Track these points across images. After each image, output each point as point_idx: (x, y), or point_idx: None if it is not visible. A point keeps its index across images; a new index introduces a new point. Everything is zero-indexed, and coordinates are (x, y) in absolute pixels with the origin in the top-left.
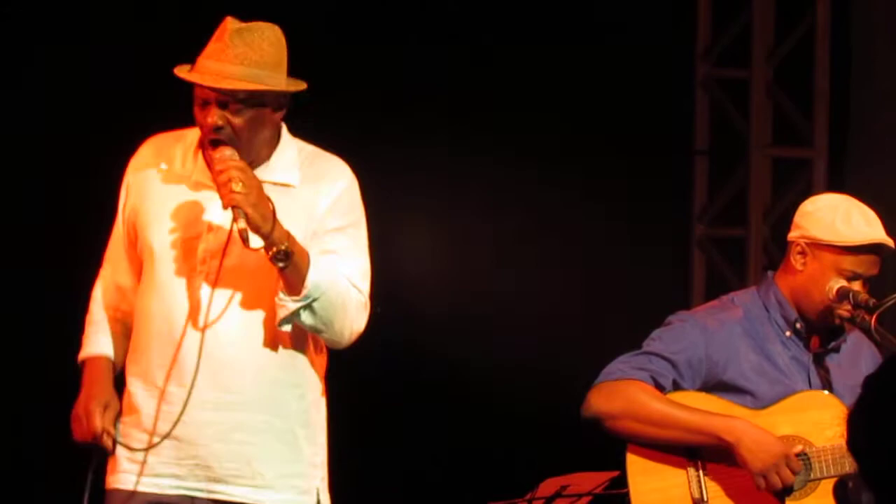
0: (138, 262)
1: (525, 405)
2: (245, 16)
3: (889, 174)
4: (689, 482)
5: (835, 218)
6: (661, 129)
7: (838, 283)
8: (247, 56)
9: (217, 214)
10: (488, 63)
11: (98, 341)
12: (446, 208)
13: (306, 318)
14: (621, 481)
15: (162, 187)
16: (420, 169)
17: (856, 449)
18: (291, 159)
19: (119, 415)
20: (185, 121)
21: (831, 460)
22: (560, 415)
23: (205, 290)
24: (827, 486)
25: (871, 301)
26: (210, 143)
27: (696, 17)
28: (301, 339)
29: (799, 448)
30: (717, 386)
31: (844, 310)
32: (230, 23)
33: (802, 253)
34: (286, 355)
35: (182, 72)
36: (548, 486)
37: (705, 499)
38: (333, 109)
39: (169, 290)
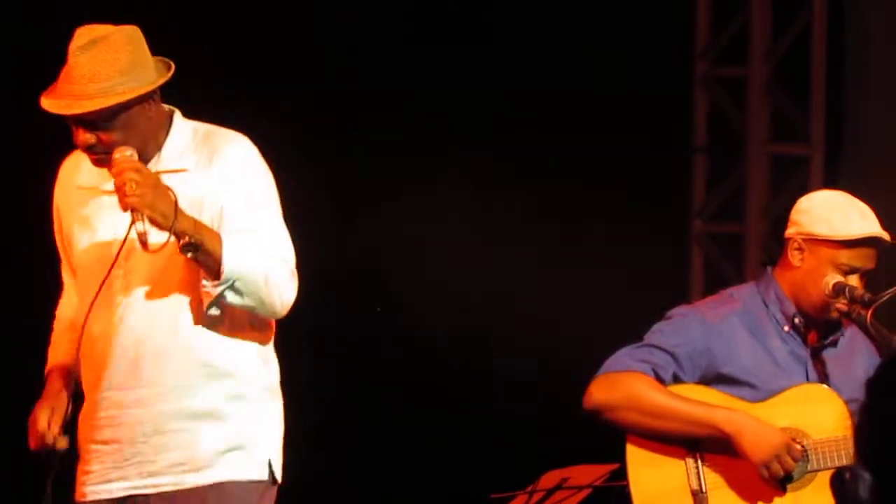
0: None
1: (527, 399)
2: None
3: (883, 169)
4: (687, 473)
5: (831, 213)
6: (660, 126)
7: (834, 278)
8: (95, 72)
9: (125, 218)
10: (489, 63)
11: (56, 353)
12: (443, 205)
13: (232, 298)
14: (621, 474)
15: (78, 203)
16: (410, 167)
17: (865, 455)
18: (184, 144)
19: (67, 418)
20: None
21: (829, 452)
22: (561, 409)
23: (120, 294)
24: (824, 477)
25: (867, 296)
26: (95, 160)
27: (694, 16)
28: (228, 320)
29: (797, 440)
30: (716, 379)
31: (841, 304)
32: (76, 38)
33: (799, 249)
34: (212, 340)
35: (42, 98)
36: (549, 479)
37: (704, 489)
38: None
39: (90, 299)
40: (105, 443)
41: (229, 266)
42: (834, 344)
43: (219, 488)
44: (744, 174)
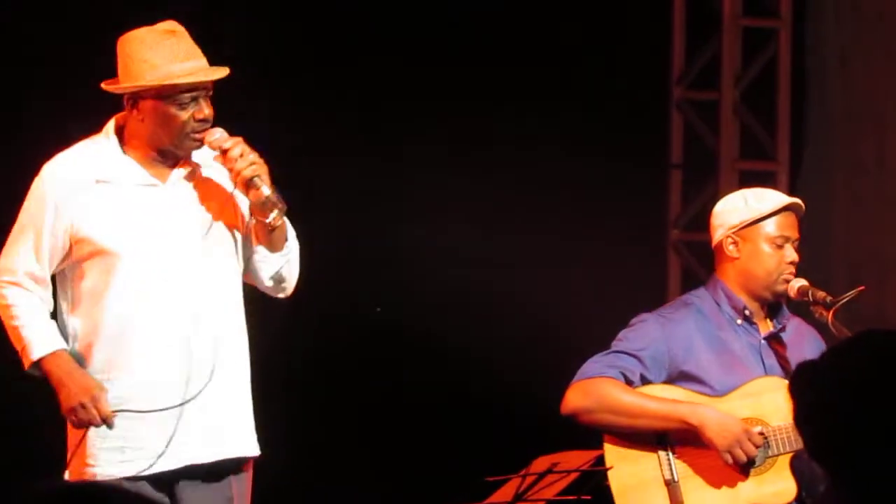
0: (57, 267)
1: (520, 396)
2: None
3: (836, 184)
4: (660, 465)
5: (744, 201)
6: (640, 144)
7: (798, 282)
8: (198, 50)
9: (170, 210)
10: (474, 85)
11: (50, 337)
12: (440, 212)
13: (286, 270)
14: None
15: (100, 196)
16: (396, 177)
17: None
18: None
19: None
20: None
21: (787, 438)
22: (544, 405)
23: (188, 282)
24: (784, 460)
25: (829, 298)
26: (194, 135)
27: (671, 45)
28: (241, 302)
29: (758, 428)
30: (679, 377)
31: (789, 274)
32: (166, 25)
33: (734, 243)
34: (241, 320)
35: (180, 76)
36: (540, 464)
37: (676, 479)
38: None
39: (154, 290)
40: (158, 422)
41: (292, 238)
42: (783, 331)
43: (243, 462)
44: (716, 188)
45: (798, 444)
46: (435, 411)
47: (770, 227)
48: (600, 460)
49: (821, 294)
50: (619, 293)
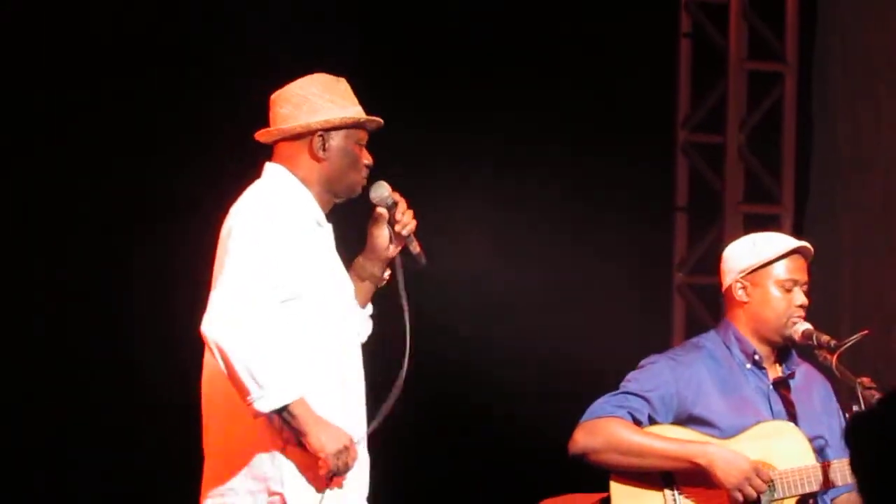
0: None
1: (524, 435)
2: None
3: (842, 228)
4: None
5: (752, 246)
6: (645, 187)
7: (803, 325)
8: None
9: (333, 256)
10: (487, 125)
11: (292, 381)
12: (438, 249)
13: (368, 327)
14: (609, 501)
15: (304, 239)
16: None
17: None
18: None
19: None
20: None
21: (793, 481)
22: (554, 443)
23: (349, 324)
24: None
25: (833, 342)
26: (363, 180)
27: (676, 89)
28: None
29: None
30: (688, 420)
31: (798, 317)
32: (329, 76)
33: (743, 287)
34: None
35: (361, 116)
36: None
37: None
38: None
39: (334, 329)
40: (362, 468)
41: None
42: (792, 377)
43: None
44: (720, 231)
45: (804, 487)
46: (436, 455)
47: (779, 270)
48: (605, 503)
49: (825, 338)
50: (624, 335)
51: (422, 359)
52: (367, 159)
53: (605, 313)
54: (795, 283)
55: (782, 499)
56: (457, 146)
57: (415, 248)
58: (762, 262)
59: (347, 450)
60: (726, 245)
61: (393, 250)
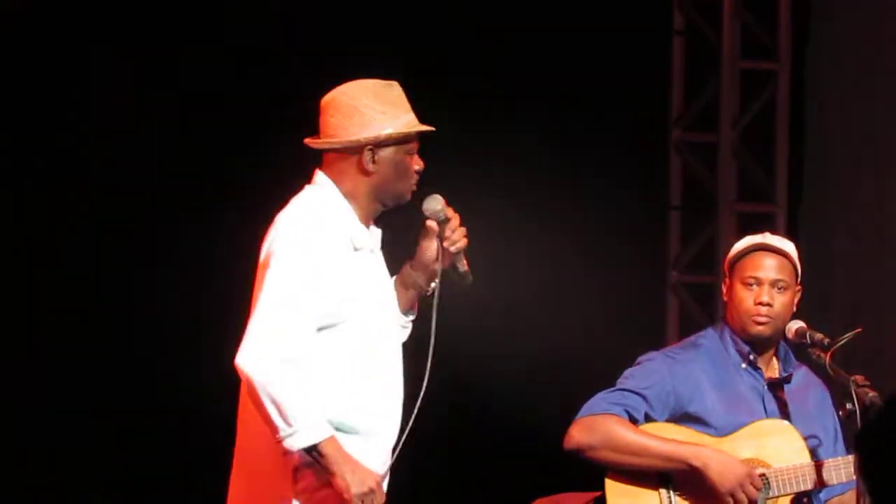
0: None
1: (517, 432)
2: None
3: (835, 225)
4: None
5: (736, 244)
6: (639, 186)
7: (796, 324)
8: None
9: (379, 272)
10: (477, 123)
11: (323, 418)
12: None
13: (404, 333)
14: (602, 501)
15: (349, 259)
16: None
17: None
18: None
19: None
20: None
21: (787, 480)
22: (549, 442)
23: (394, 343)
24: (784, 502)
25: (826, 340)
26: (414, 188)
27: (669, 87)
28: None
29: (759, 470)
30: (683, 417)
31: (759, 316)
32: (379, 80)
33: (724, 284)
34: None
35: (411, 128)
36: None
37: None
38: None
39: (381, 351)
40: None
41: None
42: (788, 380)
43: None
44: (714, 230)
45: (798, 486)
46: (429, 453)
47: (742, 267)
48: (599, 502)
49: (818, 336)
50: (619, 334)
51: (411, 357)
52: (417, 165)
53: (599, 311)
54: (758, 280)
55: (777, 497)
56: (450, 142)
57: (462, 265)
58: (731, 258)
59: (373, 492)
60: (720, 244)
61: (439, 264)
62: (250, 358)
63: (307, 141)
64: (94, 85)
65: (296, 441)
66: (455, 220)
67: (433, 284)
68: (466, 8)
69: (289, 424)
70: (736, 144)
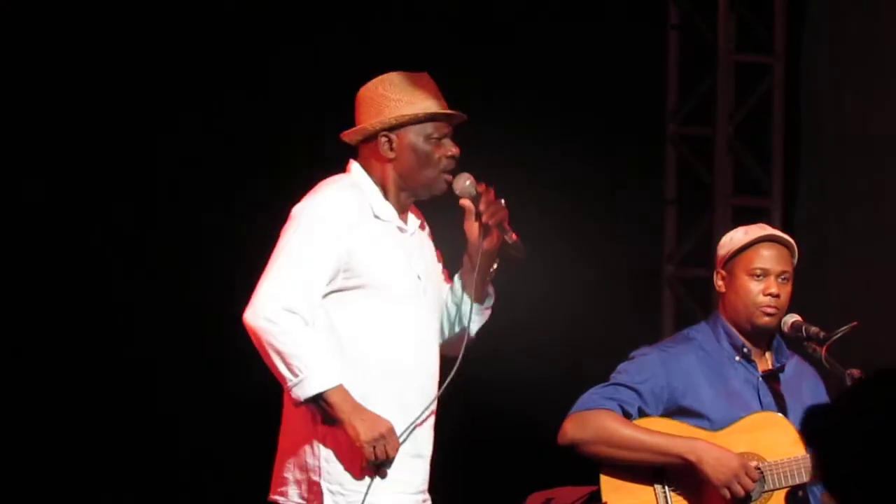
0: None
1: (513, 427)
2: None
3: (830, 217)
4: (656, 498)
5: (732, 236)
6: (634, 180)
7: (791, 317)
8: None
9: (415, 254)
10: (471, 119)
11: (333, 369)
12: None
13: (478, 320)
14: (598, 496)
15: (373, 231)
16: None
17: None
18: None
19: None
20: None
21: (783, 473)
22: (543, 436)
23: (428, 318)
24: (780, 496)
25: (822, 333)
26: (446, 175)
27: (665, 81)
28: None
29: (754, 463)
30: (677, 411)
31: (768, 307)
32: (409, 73)
33: (722, 277)
34: None
35: (439, 109)
36: (534, 500)
37: None
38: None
39: (412, 324)
40: (421, 457)
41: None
42: (782, 370)
43: None
44: (710, 224)
45: (794, 479)
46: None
47: (748, 259)
48: (594, 496)
49: (814, 329)
50: (615, 328)
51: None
52: (448, 151)
53: (595, 306)
54: (766, 272)
55: (772, 490)
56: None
57: (510, 237)
58: (734, 250)
59: (384, 438)
60: (716, 237)
61: (487, 242)
62: (256, 312)
63: (342, 134)
64: (94, 85)
65: (302, 390)
66: (488, 194)
67: (494, 265)
68: (460, 1)
69: (294, 374)
70: (731, 138)
